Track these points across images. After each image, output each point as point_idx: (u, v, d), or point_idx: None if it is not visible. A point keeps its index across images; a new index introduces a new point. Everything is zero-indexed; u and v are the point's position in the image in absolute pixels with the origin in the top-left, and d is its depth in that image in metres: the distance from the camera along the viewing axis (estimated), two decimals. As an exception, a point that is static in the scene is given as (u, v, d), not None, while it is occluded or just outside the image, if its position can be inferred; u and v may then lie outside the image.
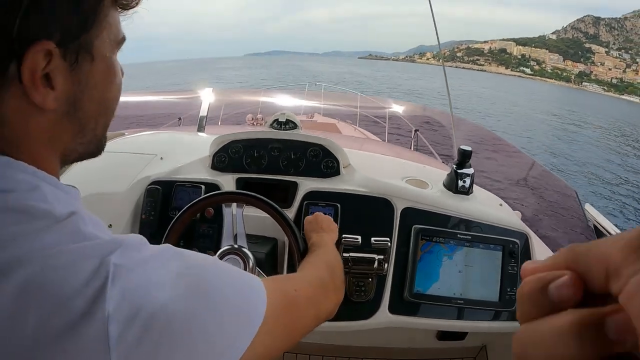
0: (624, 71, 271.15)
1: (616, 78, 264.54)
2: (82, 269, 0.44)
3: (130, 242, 0.50)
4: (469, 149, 1.57)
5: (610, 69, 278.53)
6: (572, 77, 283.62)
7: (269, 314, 0.58)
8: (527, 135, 23.02)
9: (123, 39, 0.59)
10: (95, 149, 0.62)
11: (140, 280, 0.47)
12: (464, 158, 1.58)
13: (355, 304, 1.39)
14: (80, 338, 0.42)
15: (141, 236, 0.53)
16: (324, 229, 1.24)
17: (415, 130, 4.95)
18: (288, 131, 1.68)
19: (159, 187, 1.51)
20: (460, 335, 1.81)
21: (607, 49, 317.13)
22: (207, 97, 3.01)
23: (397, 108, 6.39)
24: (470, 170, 1.59)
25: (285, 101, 6.02)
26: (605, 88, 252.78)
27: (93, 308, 0.43)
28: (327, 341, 1.90)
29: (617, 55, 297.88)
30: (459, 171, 1.58)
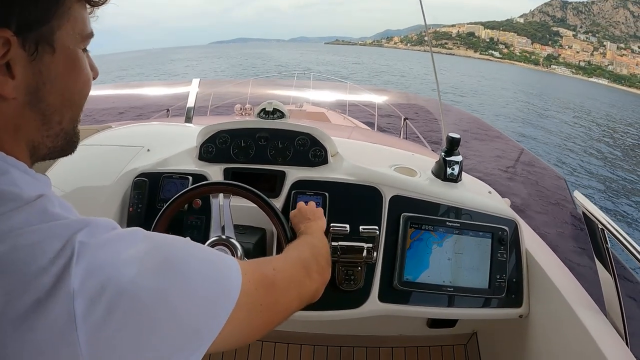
0: (592, 54, 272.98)
1: (584, 61, 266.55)
2: (48, 248, 0.45)
3: (98, 223, 0.50)
4: (458, 136, 1.57)
5: (577, 52, 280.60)
6: (541, 60, 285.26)
7: (244, 292, 0.58)
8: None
9: (90, 35, 0.59)
10: (65, 145, 0.61)
11: (107, 257, 0.47)
12: (453, 145, 1.58)
13: (345, 293, 1.39)
14: (46, 315, 0.42)
15: (113, 221, 0.53)
16: (309, 218, 1.23)
17: (405, 119, 4.94)
18: (275, 120, 1.66)
19: (146, 179, 1.49)
20: (450, 323, 1.82)
21: (574, 33, 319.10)
22: (194, 88, 2.97)
23: (386, 96, 6.37)
24: (459, 158, 1.59)
25: (273, 91, 5.98)
26: (574, 71, 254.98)
27: (58, 285, 0.43)
28: (317, 330, 1.90)
29: (585, 39, 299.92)
30: (447, 159, 1.58)
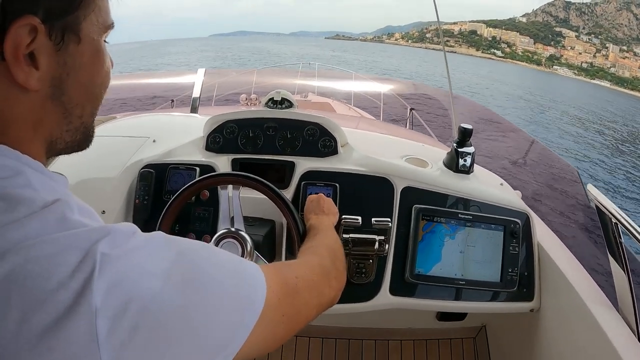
0: (594, 56, 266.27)
1: (586, 62, 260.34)
2: (66, 260, 0.41)
3: (118, 230, 0.46)
4: (470, 127, 1.54)
5: (580, 53, 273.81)
6: (543, 60, 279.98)
7: (268, 303, 0.56)
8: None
9: (111, 25, 0.57)
10: (83, 139, 0.59)
11: (130, 270, 0.43)
12: (465, 136, 1.55)
13: (356, 286, 1.37)
14: (66, 335, 0.39)
15: (132, 224, 0.50)
16: (324, 212, 1.21)
17: (411, 109, 4.90)
18: (284, 110, 1.63)
19: (152, 170, 1.47)
20: (460, 316, 1.81)
21: (577, 33, 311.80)
22: (199, 78, 2.95)
23: (392, 86, 6.32)
24: (471, 149, 1.56)
25: (278, 81, 5.93)
26: (576, 72, 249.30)
27: (79, 302, 0.39)
28: (327, 323, 1.89)
29: (587, 40, 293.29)
30: (459, 150, 1.55)
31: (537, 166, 8.46)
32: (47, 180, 0.50)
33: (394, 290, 1.39)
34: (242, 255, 1.15)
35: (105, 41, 0.58)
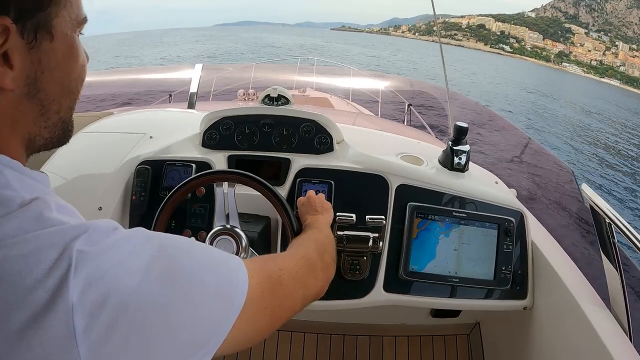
0: (604, 53, 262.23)
1: (595, 60, 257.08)
2: (44, 258, 0.41)
3: (97, 227, 0.47)
4: (465, 125, 1.54)
5: (589, 51, 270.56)
6: (552, 56, 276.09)
7: (251, 295, 0.56)
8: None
9: (84, 20, 0.57)
10: (62, 134, 0.59)
11: (107, 266, 0.44)
12: (460, 134, 1.55)
13: (350, 283, 1.38)
14: (44, 332, 0.39)
15: (113, 221, 0.50)
16: (317, 211, 1.21)
17: (409, 105, 4.90)
18: (280, 107, 1.64)
19: (148, 167, 1.47)
20: (454, 313, 1.82)
21: (586, 30, 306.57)
22: (197, 73, 2.94)
23: (390, 82, 6.32)
24: (466, 147, 1.56)
25: (276, 76, 5.93)
26: (585, 70, 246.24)
27: (55, 299, 0.40)
28: (321, 319, 1.90)
29: (597, 37, 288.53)
30: (454, 148, 1.56)
31: (531, 164, 8.47)
32: (26, 179, 0.50)
33: (387, 287, 1.40)
34: (237, 252, 1.16)
35: (80, 33, 0.58)
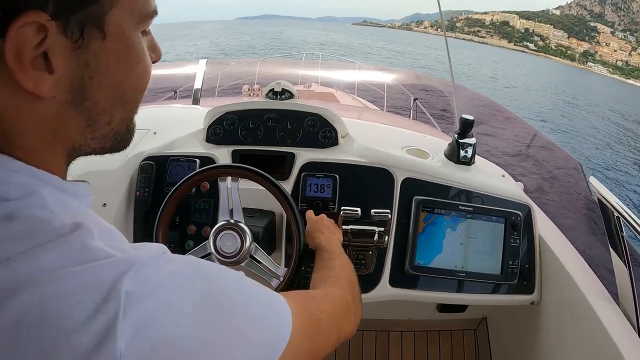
0: (630, 54, 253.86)
1: (621, 60, 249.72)
2: (87, 298, 0.37)
3: (145, 260, 0.41)
4: (471, 118, 1.53)
5: (615, 51, 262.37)
6: (577, 56, 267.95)
7: (293, 339, 0.52)
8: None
9: (153, 12, 0.48)
10: (115, 145, 0.53)
11: (156, 308, 0.39)
12: (466, 127, 1.54)
13: None
14: None
15: (160, 245, 0.46)
16: (331, 230, 1.18)
17: (415, 99, 4.87)
18: (284, 101, 1.62)
19: (152, 162, 1.47)
20: (460, 308, 1.80)
21: (612, 30, 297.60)
22: (201, 69, 2.93)
23: (395, 76, 6.28)
24: (472, 140, 1.55)
25: (281, 71, 5.91)
26: (611, 70, 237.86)
27: (102, 347, 0.35)
28: None
29: (622, 37, 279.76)
30: (460, 141, 1.54)
31: (539, 157, 8.39)
32: (66, 197, 0.45)
33: (393, 282, 1.39)
34: (241, 247, 1.15)
35: (145, 32, 0.50)
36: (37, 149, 0.44)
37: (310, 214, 1.28)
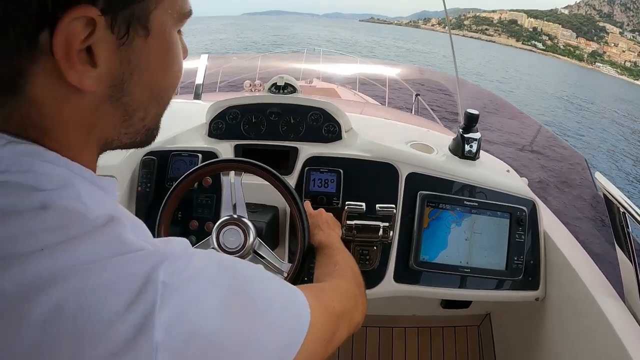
0: (639, 55, 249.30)
1: (630, 61, 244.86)
2: (124, 289, 0.37)
3: (175, 253, 0.42)
4: (476, 112, 1.52)
5: (624, 51, 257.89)
6: (585, 56, 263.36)
7: (312, 326, 0.53)
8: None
9: (189, 13, 0.49)
10: (144, 140, 0.53)
11: (189, 301, 0.39)
12: (471, 122, 1.52)
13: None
14: None
15: (184, 240, 0.46)
16: (330, 225, 1.17)
17: (417, 95, 4.85)
18: (287, 95, 1.61)
19: (154, 157, 1.46)
20: (464, 304, 1.80)
21: (621, 30, 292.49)
22: (202, 64, 2.91)
23: (397, 71, 6.26)
24: (477, 135, 1.54)
25: (283, 66, 5.89)
26: (619, 71, 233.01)
27: (139, 336, 0.35)
28: None
29: (631, 38, 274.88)
30: (465, 135, 1.53)
31: (544, 153, 8.36)
32: (97, 191, 0.45)
33: (398, 278, 1.38)
34: (244, 243, 1.14)
35: (179, 32, 0.50)
36: (71, 142, 0.44)
37: (308, 207, 1.25)
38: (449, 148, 1.58)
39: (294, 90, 1.63)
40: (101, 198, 0.45)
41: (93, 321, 0.35)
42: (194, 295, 0.40)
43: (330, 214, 1.27)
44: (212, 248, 1.16)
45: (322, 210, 1.27)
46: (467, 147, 1.52)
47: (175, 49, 0.49)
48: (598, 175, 1.28)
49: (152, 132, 0.54)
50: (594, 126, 21.73)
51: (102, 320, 0.35)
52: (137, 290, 0.37)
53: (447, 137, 1.70)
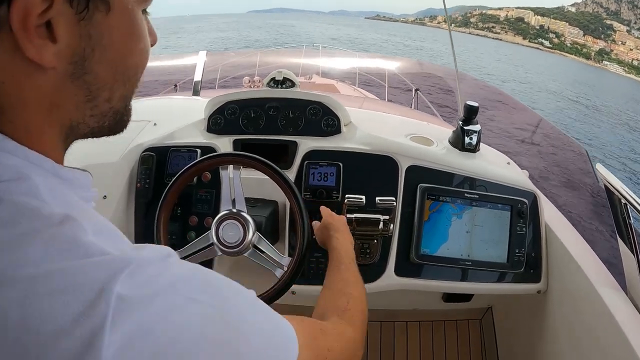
0: None
1: (637, 60, 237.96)
2: (74, 300, 0.33)
3: (145, 260, 0.38)
4: (476, 104, 1.51)
5: (631, 49, 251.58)
6: (593, 54, 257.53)
7: None
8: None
9: None
10: (113, 124, 0.51)
11: (155, 320, 0.35)
12: (471, 114, 1.52)
13: (360, 267, 1.34)
14: None
15: (165, 248, 0.42)
16: (346, 237, 1.10)
17: (416, 90, 4.84)
18: (285, 89, 1.60)
19: (153, 153, 1.45)
20: (466, 297, 1.79)
21: (628, 28, 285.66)
22: (201, 60, 2.90)
23: (397, 66, 6.24)
24: (477, 127, 1.53)
25: (283, 62, 5.87)
26: (626, 69, 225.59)
27: (84, 355, 0.32)
28: None
29: (639, 36, 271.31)
30: (465, 128, 1.52)
31: (545, 145, 8.33)
32: (59, 185, 0.42)
33: (399, 271, 1.38)
34: (244, 237, 1.14)
35: (145, 11, 0.49)
36: (31, 123, 0.42)
37: (326, 210, 1.21)
38: (449, 141, 1.57)
39: (292, 84, 1.63)
40: (62, 193, 0.42)
41: (35, 333, 0.32)
42: (161, 314, 0.35)
43: (342, 217, 1.20)
44: (212, 243, 1.16)
45: (343, 217, 1.21)
46: (467, 140, 1.52)
47: (140, 26, 0.47)
48: (599, 167, 1.28)
49: (121, 117, 0.51)
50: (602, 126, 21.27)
51: (47, 333, 0.32)
52: (88, 303, 0.33)
53: (447, 130, 1.69)
